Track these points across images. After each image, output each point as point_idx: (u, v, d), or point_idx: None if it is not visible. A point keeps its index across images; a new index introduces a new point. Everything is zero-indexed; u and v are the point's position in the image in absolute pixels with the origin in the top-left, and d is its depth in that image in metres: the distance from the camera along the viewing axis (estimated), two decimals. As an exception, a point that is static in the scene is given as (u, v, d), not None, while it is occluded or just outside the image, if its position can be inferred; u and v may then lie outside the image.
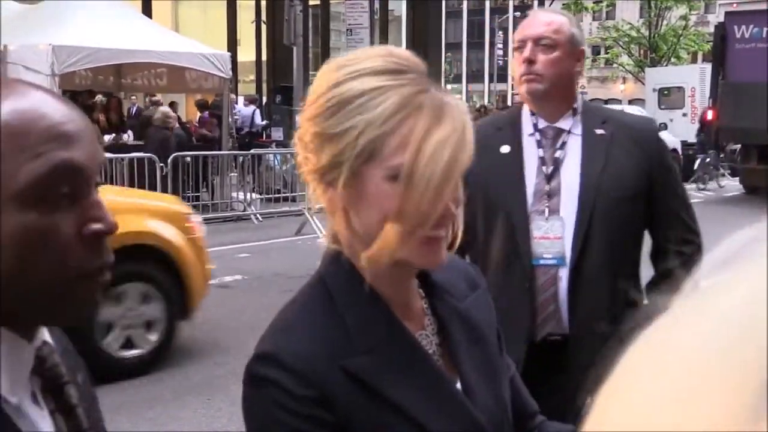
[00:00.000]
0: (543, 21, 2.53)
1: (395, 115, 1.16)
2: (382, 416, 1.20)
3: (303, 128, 1.24)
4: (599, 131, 2.53)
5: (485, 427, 1.27)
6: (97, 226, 0.98)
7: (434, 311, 1.34)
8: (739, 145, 19.37)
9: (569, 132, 2.54)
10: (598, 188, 2.47)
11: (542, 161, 2.52)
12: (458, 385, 1.30)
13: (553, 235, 2.47)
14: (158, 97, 17.04)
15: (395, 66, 1.21)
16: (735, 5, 24.05)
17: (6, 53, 12.67)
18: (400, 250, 1.18)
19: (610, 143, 2.51)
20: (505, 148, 2.55)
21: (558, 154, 2.52)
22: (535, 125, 2.55)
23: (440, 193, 1.15)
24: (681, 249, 2.49)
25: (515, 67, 2.56)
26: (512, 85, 49.52)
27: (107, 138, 13.94)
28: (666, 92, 26.57)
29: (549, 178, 2.51)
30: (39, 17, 14.07)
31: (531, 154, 2.54)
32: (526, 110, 2.58)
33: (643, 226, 2.57)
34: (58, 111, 0.98)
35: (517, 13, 53.30)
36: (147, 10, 19.72)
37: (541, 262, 2.47)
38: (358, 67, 1.21)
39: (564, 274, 2.46)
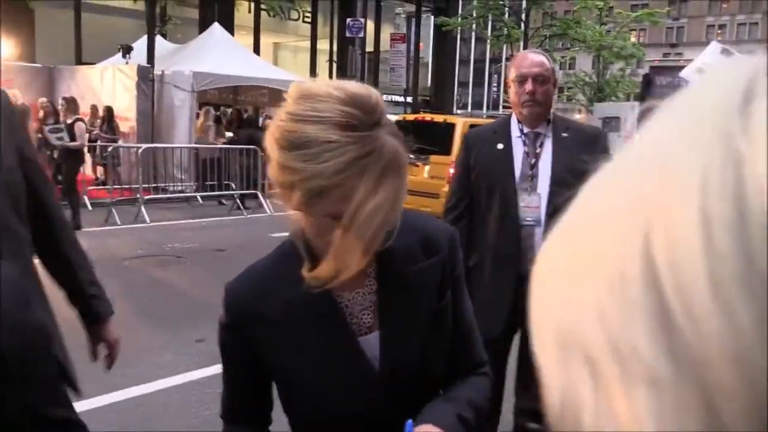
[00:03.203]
0: (537, 61, 2.48)
1: (341, 174, 0.92)
2: (285, 350, 1.10)
3: (272, 131, 0.97)
4: (564, 135, 2.52)
5: (376, 370, 1.10)
6: None
7: (379, 273, 1.13)
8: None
9: (545, 135, 2.53)
10: (563, 175, 2.46)
11: (527, 154, 2.52)
12: (376, 335, 1.11)
13: (533, 205, 2.47)
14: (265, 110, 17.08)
15: (351, 120, 0.93)
16: (656, 62, 23.68)
17: (164, 76, 12.80)
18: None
19: (572, 143, 2.50)
20: (500, 145, 2.54)
21: (538, 150, 2.52)
22: (521, 130, 2.54)
23: (369, 248, 0.97)
24: None
25: (514, 94, 2.50)
26: (502, 111, 49.01)
27: (229, 135, 13.95)
28: (608, 120, 26.21)
29: (532, 166, 2.51)
30: (185, 53, 14.18)
31: (519, 149, 2.53)
32: (513, 119, 2.57)
33: None
34: None
35: (509, 63, 52.57)
36: (256, 50, 19.76)
37: (524, 223, 2.48)
38: (319, 110, 0.94)
39: (539, 231, 2.46)
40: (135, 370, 4.22)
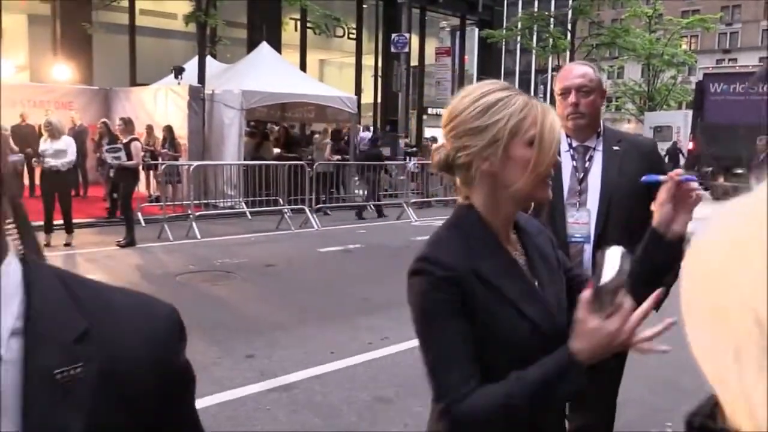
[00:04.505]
0: (580, 73, 2.42)
1: (524, 108, 1.28)
2: (495, 303, 1.28)
3: (455, 131, 1.32)
4: (615, 148, 2.45)
5: (554, 311, 1.35)
6: None
7: (521, 242, 1.41)
8: (710, 168, 18.40)
9: (594, 149, 2.46)
10: (613, 189, 2.39)
11: (575, 169, 2.46)
12: (536, 284, 1.37)
13: (582, 221, 2.40)
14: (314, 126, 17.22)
15: (506, 86, 1.33)
16: (710, 69, 22.89)
17: (214, 95, 13.11)
18: (532, 188, 1.29)
19: (623, 157, 2.42)
20: None
21: (587, 164, 2.45)
22: (570, 144, 2.48)
23: (554, 150, 1.28)
24: None
25: (560, 107, 2.45)
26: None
27: (276, 151, 14.14)
28: (659, 129, 25.55)
29: (580, 181, 2.44)
30: (234, 72, 14.49)
31: (567, 164, 2.47)
32: (562, 133, 2.51)
33: (648, 214, 2.47)
34: None
35: (554, 73, 51.79)
36: (303, 67, 20.04)
37: (572, 240, 2.40)
38: (485, 89, 1.31)
39: (588, 248, 2.39)
40: (187, 384, 4.28)
